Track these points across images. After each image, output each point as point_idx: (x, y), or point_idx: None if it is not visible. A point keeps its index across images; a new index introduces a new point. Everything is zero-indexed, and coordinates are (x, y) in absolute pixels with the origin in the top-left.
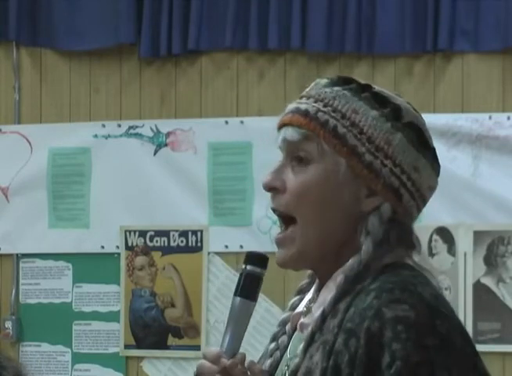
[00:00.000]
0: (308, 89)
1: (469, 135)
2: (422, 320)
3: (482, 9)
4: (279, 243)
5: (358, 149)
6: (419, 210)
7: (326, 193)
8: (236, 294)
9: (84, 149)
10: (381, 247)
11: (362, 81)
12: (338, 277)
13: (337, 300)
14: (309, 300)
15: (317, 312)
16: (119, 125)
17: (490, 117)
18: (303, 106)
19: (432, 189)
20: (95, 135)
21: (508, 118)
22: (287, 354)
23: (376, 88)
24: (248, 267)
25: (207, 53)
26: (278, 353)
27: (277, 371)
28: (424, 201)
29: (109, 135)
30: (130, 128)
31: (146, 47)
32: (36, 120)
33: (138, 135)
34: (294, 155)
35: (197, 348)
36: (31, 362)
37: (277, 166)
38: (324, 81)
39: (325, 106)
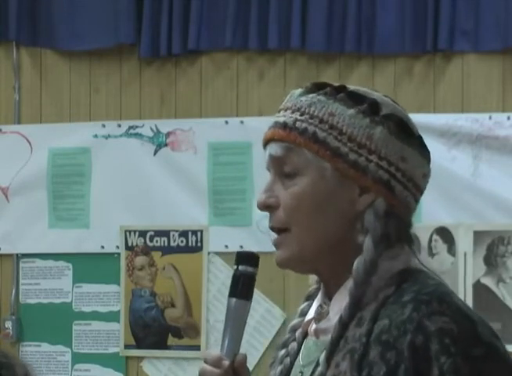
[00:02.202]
0: (284, 102)
1: (469, 135)
2: (466, 332)
3: (482, 9)
4: (277, 244)
5: (340, 150)
6: (416, 200)
7: (318, 200)
8: (230, 295)
9: (84, 149)
10: (382, 244)
11: (336, 84)
12: (349, 283)
13: (353, 306)
14: (319, 305)
15: (335, 318)
16: (119, 125)
17: (490, 117)
18: (281, 119)
19: (426, 176)
20: (95, 135)
21: (508, 118)
22: (299, 360)
23: (352, 87)
24: (240, 267)
25: (207, 53)
26: (288, 360)
27: None
28: (420, 190)
29: (109, 135)
30: (130, 128)
31: (146, 47)
32: (36, 120)
33: (138, 135)
34: (282, 170)
35: (197, 348)
36: (31, 362)
37: (268, 184)
38: (299, 90)
39: (302, 114)
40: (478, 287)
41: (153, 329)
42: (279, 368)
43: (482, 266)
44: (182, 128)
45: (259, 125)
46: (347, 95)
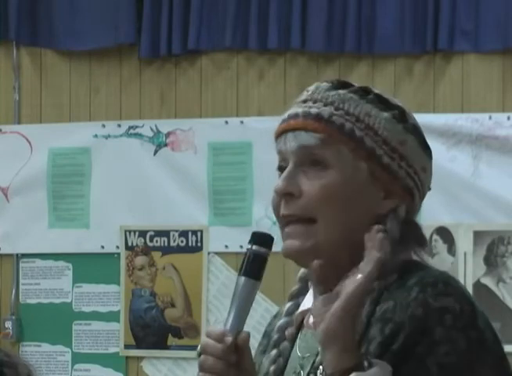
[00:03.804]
0: (309, 93)
1: (469, 135)
2: (466, 314)
3: (482, 9)
4: (295, 234)
5: (376, 151)
6: (419, 209)
7: (348, 196)
8: (240, 273)
9: (84, 149)
10: (397, 247)
11: (358, 85)
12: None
13: None
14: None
15: None
16: (119, 125)
17: (490, 117)
18: (313, 110)
19: (430, 189)
20: (95, 135)
21: (508, 118)
22: (297, 353)
23: (376, 90)
24: (254, 247)
25: (207, 53)
26: (281, 360)
27: (286, 372)
28: (423, 200)
29: (109, 135)
30: (130, 128)
31: (146, 47)
32: (36, 120)
33: (138, 135)
34: (309, 160)
35: (197, 348)
36: (31, 362)
37: (289, 172)
38: (325, 84)
39: (336, 109)
40: (478, 287)
41: (152, 329)
42: (272, 368)
43: (482, 266)
44: (182, 128)
45: (259, 125)
46: (376, 98)
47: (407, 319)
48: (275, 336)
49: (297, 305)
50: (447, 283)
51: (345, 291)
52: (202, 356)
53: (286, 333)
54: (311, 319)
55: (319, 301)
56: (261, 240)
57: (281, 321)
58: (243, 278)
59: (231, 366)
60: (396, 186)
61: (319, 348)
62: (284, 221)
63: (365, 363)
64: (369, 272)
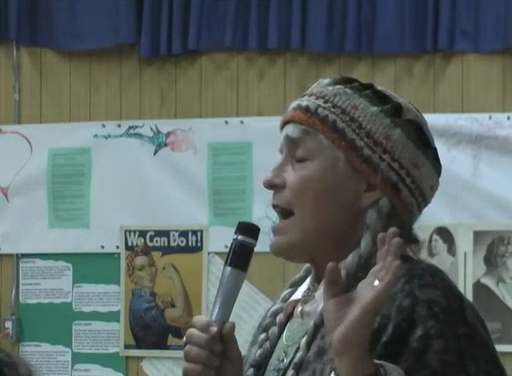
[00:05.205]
0: (310, 88)
1: (469, 135)
2: (454, 308)
3: (482, 9)
4: (276, 230)
5: (356, 143)
6: (419, 208)
7: (325, 187)
8: (226, 263)
9: (84, 149)
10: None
11: (364, 82)
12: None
13: None
14: (307, 289)
15: (320, 300)
16: (119, 125)
17: (490, 117)
18: (304, 103)
19: (433, 188)
20: (95, 135)
21: (508, 118)
22: (283, 341)
23: (379, 87)
24: (240, 237)
25: (207, 53)
26: (268, 344)
27: (271, 359)
28: (425, 200)
29: (109, 135)
30: (130, 128)
31: (146, 47)
32: (36, 120)
33: (138, 135)
34: (294, 152)
35: None
36: (31, 362)
37: (277, 164)
38: (327, 80)
39: (325, 102)
40: (478, 287)
41: (153, 329)
42: (259, 352)
43: (482, 266)
44: (182, 128)
45: (259, 125)
46: (373, 93)
47: (394, 311)
48: (267, 320)
49: (294, 293)
50: (434, 275)
51: (363, 299)
52: (187, 346)
53: (278, 319)
54: (299, 309)
55: (330, 305)
56: (247, 230)
57: (275, 306)
58: (228, 268)
59: (216, 355)
60: (378, 179)
61: (301, 342)
62: (275, 211)
63: (382, 371)
64: (389, 281)
